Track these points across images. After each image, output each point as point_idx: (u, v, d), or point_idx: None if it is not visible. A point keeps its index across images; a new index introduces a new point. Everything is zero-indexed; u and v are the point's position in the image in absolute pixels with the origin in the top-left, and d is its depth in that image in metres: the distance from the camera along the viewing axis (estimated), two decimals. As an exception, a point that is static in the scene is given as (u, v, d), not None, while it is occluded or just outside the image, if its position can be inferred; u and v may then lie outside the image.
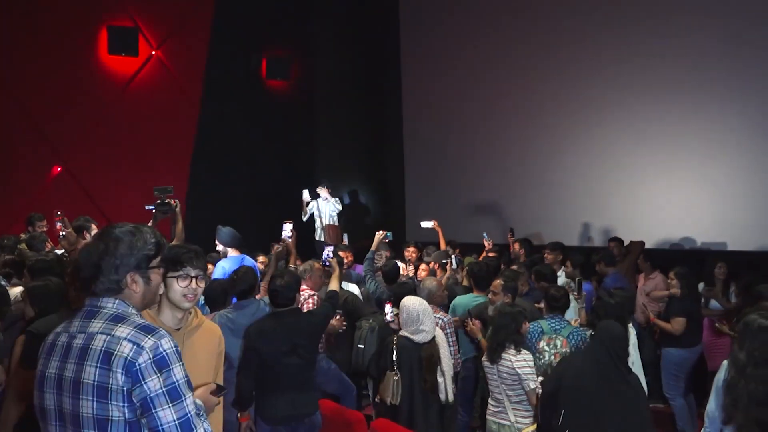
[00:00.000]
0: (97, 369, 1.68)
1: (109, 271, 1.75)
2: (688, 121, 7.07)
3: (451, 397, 3.96)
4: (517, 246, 6.59)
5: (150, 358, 1.68)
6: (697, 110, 7.03)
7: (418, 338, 3.95)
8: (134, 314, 1.78)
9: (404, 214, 10.55)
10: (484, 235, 6.50)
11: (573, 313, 4.67)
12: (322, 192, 8.70)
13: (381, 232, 5.72)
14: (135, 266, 1.79)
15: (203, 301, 4.06)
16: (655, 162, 7.50)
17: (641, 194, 7.66)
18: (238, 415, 3.53)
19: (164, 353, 1.70)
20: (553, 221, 8.37)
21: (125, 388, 1.66)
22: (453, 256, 6.05)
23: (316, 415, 3.67)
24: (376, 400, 4.06)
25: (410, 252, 6.87)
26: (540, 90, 8.49)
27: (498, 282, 4.43)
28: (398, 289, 4.64)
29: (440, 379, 3.91)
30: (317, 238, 8.73)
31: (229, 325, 3.77)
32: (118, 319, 1.75)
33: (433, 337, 3.96)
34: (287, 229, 4.63)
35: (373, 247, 5.66)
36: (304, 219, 8.57)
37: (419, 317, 3.95)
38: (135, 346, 1.69)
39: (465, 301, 5.02)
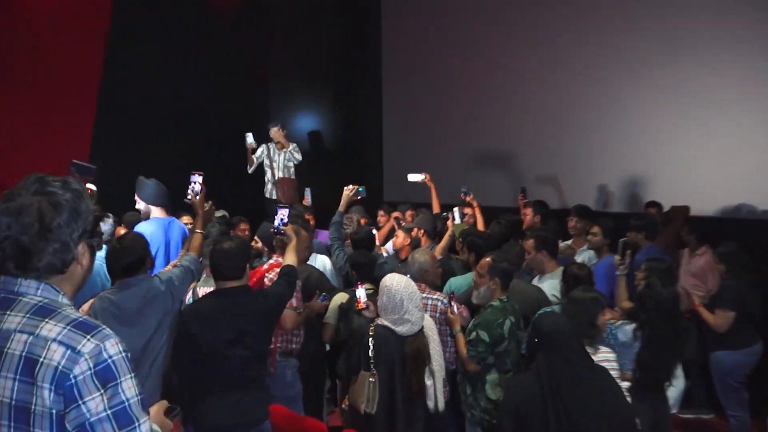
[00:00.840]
0: (15, 383, 1.62)
1: (55, 241, 1.66)
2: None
3: (441, 405, 3.99)
4: (529, 211, 6.65)
5: (90, 369, 1.62)
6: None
7: (402, 329, 3.94)
8: (66, 305, 1.70)
9: (381, 166, 10.60)
10: (463, 190, 6.69)
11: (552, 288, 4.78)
12: (275, 135, 8.61)
13: (350, 186, 5.75)
14: (82, 233, 1.72)
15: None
16: (701, 104, 7.38)
17: (682, 148, 7.59)
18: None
19: (110, 361, 1.63)
20: (567, 181, 8.56)
21: (54, 411, 1.60)
22: (456, 210, 6.26)
23: (265, 425, 3.68)
24: (344, 406, 4.11)
25: (382, 217, 6.87)
26: (559, 20, 8.55)
27: (486, 261, 4.34)
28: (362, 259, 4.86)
29: (428, 382, 3.95)
30: (268, 196, 8.71)
31: (113, 310, 3.69)
32: (45, 311, 1.66)
33: (421, 328, 3.95)
34: (195, 182, 4.45)
35: (340, 207, 5.72)
36: (250, 171, 8.57)
37: (403, 303, 3.93)
38: (69, 351, 1.61)
39: (464, 282, 5.03)
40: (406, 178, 7.02)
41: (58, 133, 7.79)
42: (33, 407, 1.61)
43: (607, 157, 8.23)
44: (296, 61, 10.27)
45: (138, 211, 5.26)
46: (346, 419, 4.09)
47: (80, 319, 1.66)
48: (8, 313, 1.66)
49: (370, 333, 3.98)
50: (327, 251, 5.99)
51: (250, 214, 6.65)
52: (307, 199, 7.75)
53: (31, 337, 1.63)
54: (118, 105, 8.35)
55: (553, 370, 3.27)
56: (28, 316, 1.65)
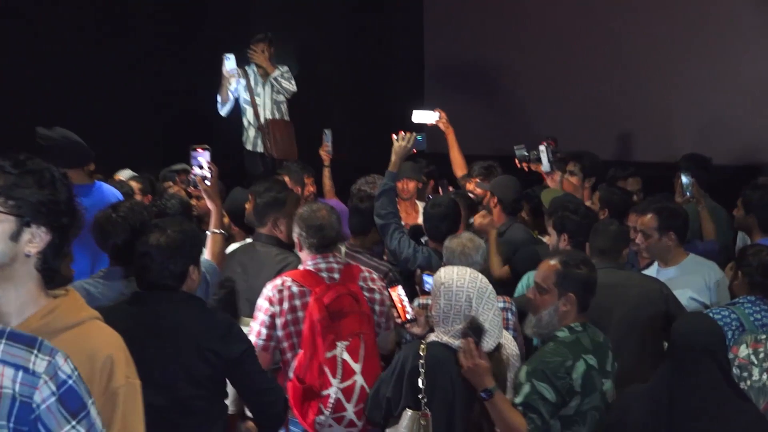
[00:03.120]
0: None
1: None
2: None
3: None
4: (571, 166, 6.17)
5: (54, 394, 1.54)
6: None
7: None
8: None
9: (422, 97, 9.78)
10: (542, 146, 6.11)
11: None
12: (258, 56, 7.40)
13: (404, 135, 5.02)
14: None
15: None
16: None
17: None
18: None
19: (71, 382, 1.57)
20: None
21: None
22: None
23: None
24: None
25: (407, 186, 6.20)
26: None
27: (549, 265, 3.53)
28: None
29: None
30: (249, 148, 7.63)
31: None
32: None
33: (499, 345, 3.60)
34: (201, 160, 3.93)
35: (392, 166, 5.04)
36: (224, 112, 7.53)
37: (471, 304, 3.51)
38: (21, 373, 1.52)
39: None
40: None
41: None
42: None
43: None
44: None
45: None
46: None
47: (4, 329, 1.58)
48: None
49: (421, 353, 3.51)
50: None
51: (224, 175, 5.74)
52: (328, 146, 6.73)
53: None
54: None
55: (677, 388, 3.02)
56: None
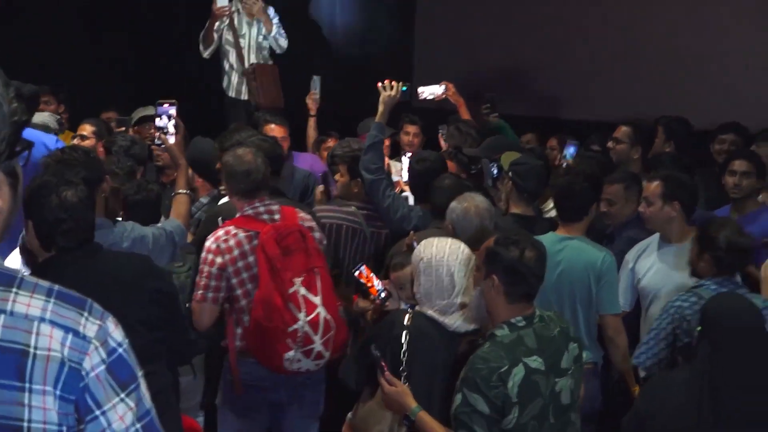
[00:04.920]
0: None
1: None
2: None
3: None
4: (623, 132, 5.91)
5: (103, 362, 1.47)
6: None
7: (453, 322, 3.44)
8: (18, 268, 1.69)
9: (411, 63, 9.51)
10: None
11: None
12: (255, 8, 7.05)
13: (390, 83, 4.90)
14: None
15: None
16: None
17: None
18: None
19: (121, 350, 1.50)
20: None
21: (64, 427, 1.44)
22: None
23: None
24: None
25: (410, 132, 6.31)
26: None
27: (486, 244, 3.28)
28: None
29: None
30: (232, 95, 7.35)
31: None
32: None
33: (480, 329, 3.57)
34: (167, 115, 3.81)
35: (378, 117, 4.89)
36: (207, 54, 7.24)
37: (453, 278, 3.43)
38: (71, 336, 1.45)
39: (584, 257, 4.29)
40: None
41: None
42: (25, 425, 1.42)
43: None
44: None
45: None
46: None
47: (56, 288, 1.50)
48: None
49: (405, 324, 3.42)
50: (305, 188, 5.46)
51: (201, 122, 5.97)
52: (315, 94, 6.63)
53: (3, 317, 1.43)
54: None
55: (719, 371, 3.00)
56: None
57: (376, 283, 3.97)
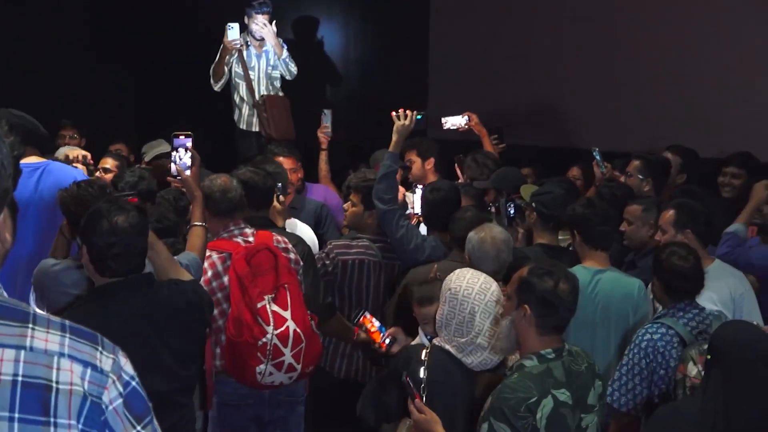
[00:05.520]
0: (14, 425, 1.44)
1: None
2: None
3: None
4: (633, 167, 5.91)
5: (120, 395, 1.51)
6: None
7: (472, 360, 3.45)
8: (24, 302, 1.64)
9: (426, 93, 9.54)
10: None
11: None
12: (259, 27, 7.10)
13: (404, 111, 4.83)
14: (3, 195, 1.54)
15: None
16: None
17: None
18: None
19: (134, 383, 1.55)
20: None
21: None
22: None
23: None
24: None
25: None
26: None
27: (518, 274, 3.25)
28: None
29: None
30: (243, 127, 7.38)
31: None
32: (11, 313, 1.51)
33: (505, 360, 3.52)
34: (183, 147, 3.82)
35: (392, 147, 4.86)
36: (218, 87, 7.26)
37: (475, 318, 3.41)
38: (90, 371, 1.49)
39: (620, 289, 4.29)
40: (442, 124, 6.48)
41: None
42: None
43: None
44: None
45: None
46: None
47: (67, 322, 1.55)
48: None
49: (423, 358, 3.45)
50: (318, 219, 5.47)
51: (212, 155, 5.96)
52: (327, 128, 6.55)
53: (24, 353, 1.46)
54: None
55: (731, 396, 2.91)
56: None
57: (379, 327, 3.98)
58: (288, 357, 3.79)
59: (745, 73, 8.07)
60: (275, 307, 3.82)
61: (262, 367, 3.77)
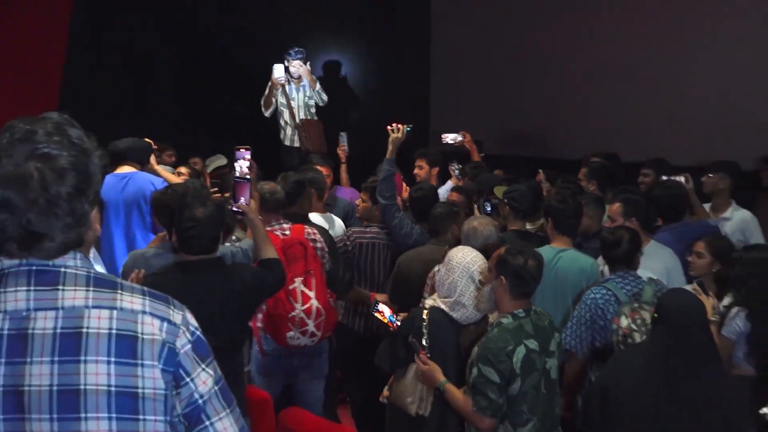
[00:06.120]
0: (111, 366, 1.57)
1: (66, 215, 1.58)
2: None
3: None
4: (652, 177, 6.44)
5: (189, 341, 1.67)
6: None
7: (458, 315, 3.80)
8: (112, 275, 1.80)
9: (428, 112, 10.26)
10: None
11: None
12: (299, 69, 8.11)
13: (397, 125, 5.36)
14: (94, 197, 1.65)
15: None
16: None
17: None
18: None
19: (198, 333, 1.70)
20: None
21: (167, 392, 1.61)
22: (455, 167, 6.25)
23: None
24: (383, 399, 4.09)
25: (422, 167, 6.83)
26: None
27: (497, 253, 3.65)
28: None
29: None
30: (287, 143, 8.30)
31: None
32: (106, 283, 1.65)
33: (487, 317, 3.80)
34: (243, 159, 3.99)
35: (389, 154, 5.34)
36: (268, 113, 8.20)
37: (457, 282, 3.79)
38: (165, 324, 1.65)
39: (576, 264, 4.58)
40: (441, 140, 7.02)
41: (26, 78, 7.80)
42: (140, 391, 1.59)
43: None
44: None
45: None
46: (389, 423, 4.02)
47: (144, 288, 1.69)
48: (61, 288, 1.60)
49: (424, 317, 3.78)
50: (346, 214, 5.95)
51: (264, 167, 6.25)
52: (344, 146, 7.34)
53: (116, 312, 1.61)
54: (91, 46, 8.28)
55: (674, 350, 3.19)
56: (92, 289, 1.62)
57: (389, 317, 4.17)
58: (311, 327, 4.26)
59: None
60: (303, 288, 4.27)
61: (291, 333, 4.23)
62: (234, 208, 3.83)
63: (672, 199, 5.27)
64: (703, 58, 8.21)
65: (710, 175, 5.82)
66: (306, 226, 4.67)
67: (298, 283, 4.28)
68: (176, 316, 1.68)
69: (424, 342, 3.73)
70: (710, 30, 8.14)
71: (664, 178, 5.70)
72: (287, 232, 4.50)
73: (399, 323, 4.03)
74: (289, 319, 4.23)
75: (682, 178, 5.55)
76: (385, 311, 4.16)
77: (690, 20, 8.34)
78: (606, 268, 4.43)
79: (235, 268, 3.69)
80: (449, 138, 6.74)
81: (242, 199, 3.77)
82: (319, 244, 4.63)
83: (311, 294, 4.29)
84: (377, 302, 4.28)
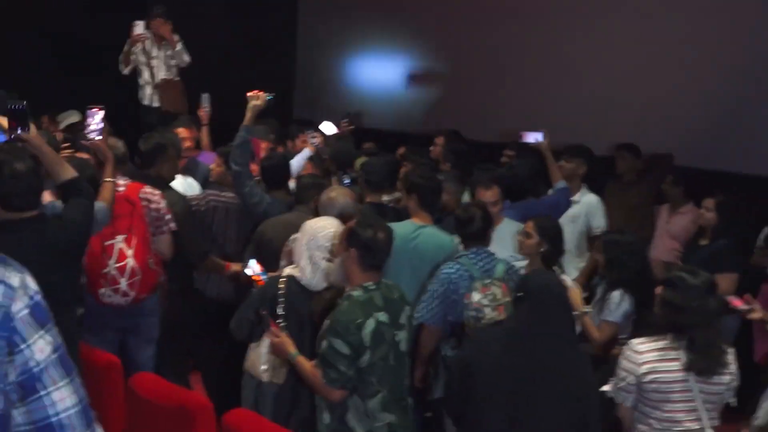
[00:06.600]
0: None
1: None
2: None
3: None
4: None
5: (27, 306, 1.59)
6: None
7: (308, 281, 3.86)
8: None
9: (293, 72, 10.06)
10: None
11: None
12: (159, 26, 7.84)
13: (256, 93, 5.20)
14: None
15: None
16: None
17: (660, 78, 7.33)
18: None
19: (38, 297, 1.62)
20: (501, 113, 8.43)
21: None
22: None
23: None
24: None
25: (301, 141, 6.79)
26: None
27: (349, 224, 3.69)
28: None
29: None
30: (146, 103, 8.03)
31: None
32: None
33: (330, 287, 3.86)
34: (95, 118, 4.20)
35: (246, 121, 5.18)
36: (126, 71, 7.92)
37: (303, 247, 3.89)
38: (2, 287, 1.56)
39: (435, 241, 4.65)
40: (320, 125, 6.81)
41: None
42: None
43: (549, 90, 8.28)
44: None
45: None
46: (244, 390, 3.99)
47: None
48: None
49: (280, 285, 3.82)
50: (205, 180, 5.79)
51: (120, 125, 6.23)
52: (205, 109, 7.10)
53: None
54: None
55: (536, 326, 3.32)
56: None
57: (261, 273, 4.19)
58: (123, 285, 4.22)
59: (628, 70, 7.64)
60: (122, 245, 4.23)
61: (103, 290, 4.20)
62: (12, 138, 3.65)
63: (514, 180, 5.51)
64: (579, 41, 8.10)
65: (568, 160, 5.94)
66: (147, 187, 4.57)
67: (119, 240, 4.25)
68: (13, 278, 1.60)
69: (280, 311, 3.75)
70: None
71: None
72: (120, 189, 4.37)
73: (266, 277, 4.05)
74: (102, 275, 4.22)
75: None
76: (255, 268, 4.17)
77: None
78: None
79: (55, 222, 3.63)
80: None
81: (20, 129, 3.62)
82: (154, 206, 4.54)
83: (129, 252, 4.25)
84: (250, 260, 4.27)
